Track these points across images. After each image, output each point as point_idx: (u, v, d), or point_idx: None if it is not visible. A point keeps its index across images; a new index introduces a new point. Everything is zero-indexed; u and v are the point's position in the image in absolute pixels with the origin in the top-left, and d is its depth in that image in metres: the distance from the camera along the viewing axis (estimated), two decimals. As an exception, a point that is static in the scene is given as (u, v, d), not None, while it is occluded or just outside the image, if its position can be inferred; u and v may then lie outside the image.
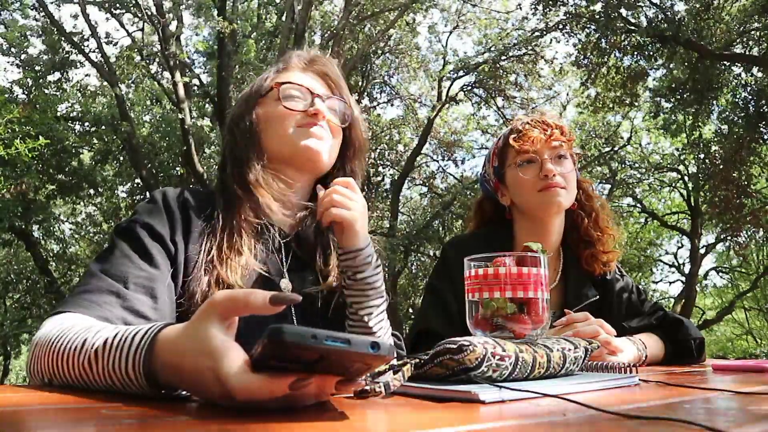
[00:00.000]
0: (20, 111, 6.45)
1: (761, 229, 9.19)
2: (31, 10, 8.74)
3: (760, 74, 8.08)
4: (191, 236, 0.97)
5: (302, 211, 1.09)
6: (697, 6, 7.44)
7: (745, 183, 8.41)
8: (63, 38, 8.80)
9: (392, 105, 12.11)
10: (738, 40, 7.70)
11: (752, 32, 7.65)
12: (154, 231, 0.93)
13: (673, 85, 8.32)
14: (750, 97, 8.39)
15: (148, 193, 9.79)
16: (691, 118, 8.73)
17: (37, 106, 7.62)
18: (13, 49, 8.88)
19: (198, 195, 1.04)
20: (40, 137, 5.72)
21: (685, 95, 8.25)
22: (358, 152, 1.16)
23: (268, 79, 1.10)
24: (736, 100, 8.60)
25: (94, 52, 8.85)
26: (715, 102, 8.75)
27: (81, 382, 0.65)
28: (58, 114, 9.03)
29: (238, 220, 0.99)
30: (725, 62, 7.98)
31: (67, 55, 9.05)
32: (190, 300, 0.92)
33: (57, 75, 9.09)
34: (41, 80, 8.77)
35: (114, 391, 0.62)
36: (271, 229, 1.03)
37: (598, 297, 1.43)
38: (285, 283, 1.02)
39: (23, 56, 8.95)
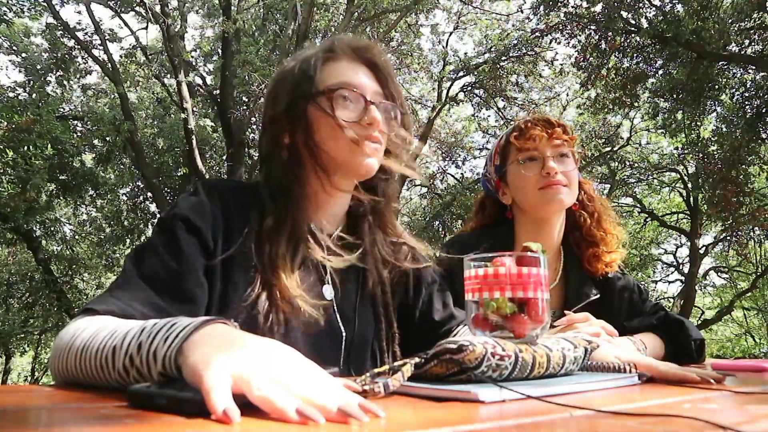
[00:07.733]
0: (27, 120, 6.49)
1: (759, 228, 9.17)
2: (36, 10, 8.67)
3: (758, 74, 8.07)
4: (234, 233, 0.93)
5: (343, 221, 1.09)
6: (695, 5, 7.43)
7: (743, 182, 8.39)
8: (67, 34, 8.71)
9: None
10: (735, 39, 7.68)
11: (749, 30, 7.63)
12: (192, 224, 0.89)
13: (672, 86, 8.31)
14: (748, 95, 8.38)
15: (151, 193, 9.82)
16: (689, 118, 8.72)
17: (40, 105, 7.60)
18: (15, 47, 8.84)
19: (244, 190, 1.00)
20: (50, 146, 5.77)
21: (683, 95, 8.23)
22: (401, 149, 1.08)
23: (317, 70, 0.99)
24: (735, 99, 8.59)
25: (97, 48, 8.78)
26: (713, 102, 8.74)
27: (112, 378, 0.66)
28: (60, 113, 9.02)
29: (295, 225, 0.97)
30: (724, 62, 7.98)
31: (70, 53, 8.96)
32: (244, 304, 0.90)
33: (59, 73, 9.02)
34: (43, 78, 8.72)
35: (117, 388, 0.64)
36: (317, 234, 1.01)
37: (598, 296, 1.42)
38: (328, 291, 1.01)
39: (24, 55, 8.90)
